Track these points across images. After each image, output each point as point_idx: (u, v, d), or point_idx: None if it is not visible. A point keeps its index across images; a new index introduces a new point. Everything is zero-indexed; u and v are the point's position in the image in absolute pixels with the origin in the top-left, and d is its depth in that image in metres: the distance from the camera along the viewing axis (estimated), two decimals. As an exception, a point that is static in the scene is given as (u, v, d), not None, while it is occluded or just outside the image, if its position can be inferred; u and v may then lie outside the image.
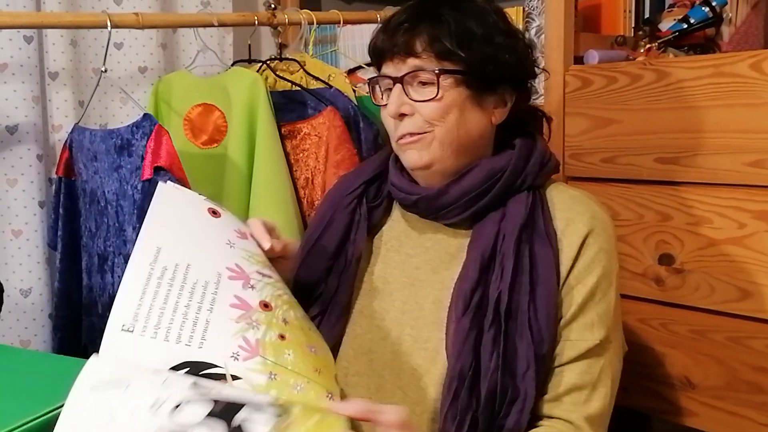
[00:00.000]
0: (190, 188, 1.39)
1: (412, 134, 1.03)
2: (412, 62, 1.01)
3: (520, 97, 1.07)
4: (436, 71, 0.99)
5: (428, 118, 1.01)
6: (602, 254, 1.00)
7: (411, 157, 1.04)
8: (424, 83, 1.01)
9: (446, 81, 1.00)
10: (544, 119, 1.13)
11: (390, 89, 1.04)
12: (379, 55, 1.05)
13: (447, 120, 1.01)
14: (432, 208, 1.05)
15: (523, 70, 1.07)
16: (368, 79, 1.10)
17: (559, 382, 0.97)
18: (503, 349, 0.94)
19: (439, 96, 1.00)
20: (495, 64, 1.01)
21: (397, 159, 1.12)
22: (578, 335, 0.98)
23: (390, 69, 1.03)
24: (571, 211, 1.03)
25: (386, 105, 1.04)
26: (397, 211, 1.14)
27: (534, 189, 1.04)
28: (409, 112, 1.02)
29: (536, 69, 1.11)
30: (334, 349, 1.05)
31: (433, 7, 1.02)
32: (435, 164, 1.03)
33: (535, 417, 0.97)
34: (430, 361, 0.99)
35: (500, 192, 1.02)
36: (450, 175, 1.04)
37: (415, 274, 1.06)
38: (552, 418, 0.97)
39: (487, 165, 1.03)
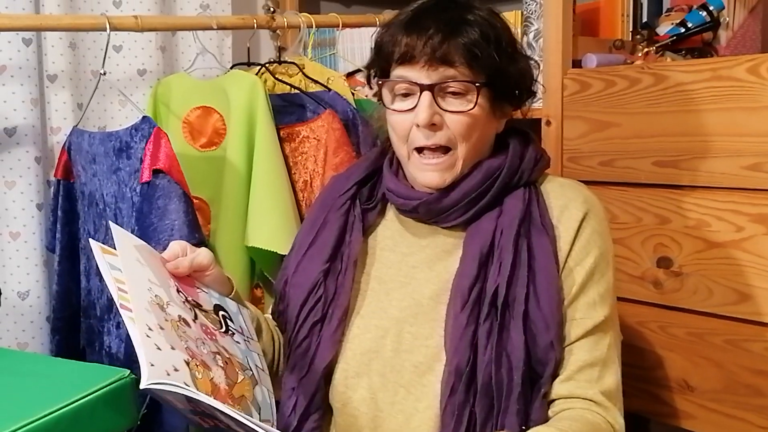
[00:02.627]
0: (189, 191, 1.41)
1: (434, 151, 1.01)
2: (447, 72, 0.98)
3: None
4: (477, 84, 0.98)
5: (457, 133, 1.00)
6: (596, 236, 1.02)
7: (432, 178, 1.02)
8: (455, 93, 0.99)
9: (482, 95, 0.99)
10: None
11: (408, 94, 1.02)
12: (403, 56, 1.00)
13: (472, 137, 1.01)
14: (432, 212, 1.05)
15: (531, 79, 1.08)
16: (381, 80, 1.05)
17: (570, 361, 0.98)
18: (497, 341, 0.95)
19: (474, 110, 0.99)
20: (518, 76, 1.03)
21: (391, 163, 1.11)
22: (583, 314, 0.99)
23: (414, 74, 0.99)
24: (564, 198, 1.04)
25: (407, 111, 1.01)
26: (391, 212, 1.13)
27: (529, 185, 1.05)
28: (439, 123, 1.00)
29: (534, 74, 1.10)
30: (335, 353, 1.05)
31: (457, 12, 1.00)
32: (454, 182, 1.03)
33: (550, 400, 0.97)
34: (433, 358, 0.99)
35: (499, 190, 1.03)
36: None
37: (412, 273, 1.06)
38: (569, 398, 0.97)
39: (484, 165, 1.04)
